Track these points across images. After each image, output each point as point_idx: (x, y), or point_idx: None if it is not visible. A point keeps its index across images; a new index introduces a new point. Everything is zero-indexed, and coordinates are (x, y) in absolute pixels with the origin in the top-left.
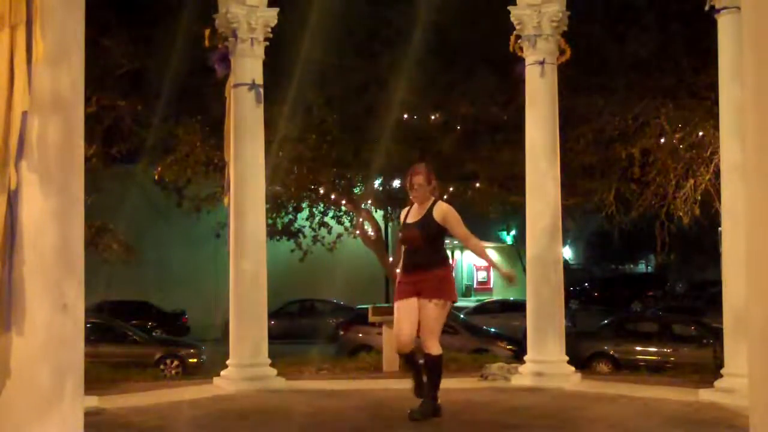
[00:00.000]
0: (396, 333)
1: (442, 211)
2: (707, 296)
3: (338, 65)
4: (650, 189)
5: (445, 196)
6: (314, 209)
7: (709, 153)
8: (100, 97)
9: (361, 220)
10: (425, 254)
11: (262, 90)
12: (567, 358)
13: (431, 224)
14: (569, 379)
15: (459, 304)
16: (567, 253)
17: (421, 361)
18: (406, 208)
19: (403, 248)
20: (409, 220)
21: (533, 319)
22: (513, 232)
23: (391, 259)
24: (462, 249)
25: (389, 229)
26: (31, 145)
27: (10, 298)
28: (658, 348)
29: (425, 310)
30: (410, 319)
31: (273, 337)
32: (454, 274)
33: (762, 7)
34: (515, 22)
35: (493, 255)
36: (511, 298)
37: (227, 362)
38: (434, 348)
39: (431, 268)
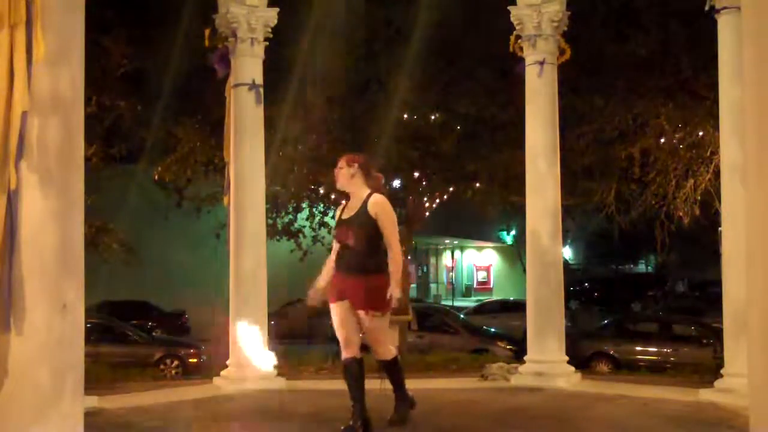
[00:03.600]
0: (339, 337)
1: (376, 203)
2: (707, 296)
3: (338, 65)
4: (650, 189)
5: (445, 196)
6: (314, 209)
7: (709, 153)
8: (100, 97)
9: None
10: (360, 256)
11: (262, 90)
12: (567, 358)
13: (365, 220)
14: (569, 379)
15: (459, 304)
16: (567, 253)
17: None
18: (343, 203)
19: (337, 246)
20: (344, 216)
21: (533, 319)
22: (513, 232)
23: None
24: (462, 249)
25: None
26: (31, 145)
27: (9, 298)
28: (658, 348)
29: (365, 323)
30: (347, 324)
31: (273, 337)
32: (453, 275)
33: (762, 7)
34: (515, 22)
35: (493, 255)
36: (511, 298)
37: (227, 362)
38: (387, 353)
39: (364, 273)
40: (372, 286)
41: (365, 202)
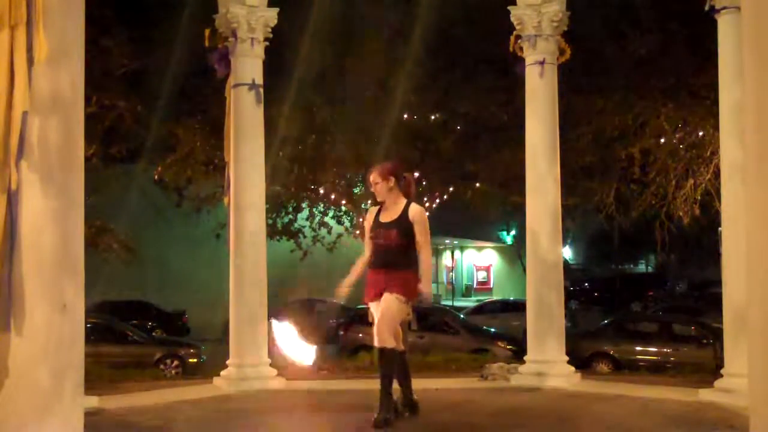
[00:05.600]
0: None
1: (415, 212)
2: (707, 296)
3: (338, 65)
4: (650, 189)
5: (445, 196)
6: (314, 209)
7: (709, 153)
8: (100, 97)
9: (361, 220)
10: (397, 254)
11: (262, 90)
12: (567, 358)
13: (406, 225)
14: (569, 379)
15: (459, 304)
16: (567, 253)
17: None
18: (376, 208)
19: (372, 246)
20: (385, 220)
21: (533, 319)
22: (513, 232)
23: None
24: (462, 249)
25: None
26: (31, 145)
27: (10, 298)
28: (658, 348)
29: (385, 302)
30: None
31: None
32: (453, 275)
33: (762, 7)
34: (515, 22)
35: (493, 255)
36: (511, 298)
37: (227, 362)
38: (387, 340)
39: (401, 267)
40: (404, 276)
41: (405, 210)
